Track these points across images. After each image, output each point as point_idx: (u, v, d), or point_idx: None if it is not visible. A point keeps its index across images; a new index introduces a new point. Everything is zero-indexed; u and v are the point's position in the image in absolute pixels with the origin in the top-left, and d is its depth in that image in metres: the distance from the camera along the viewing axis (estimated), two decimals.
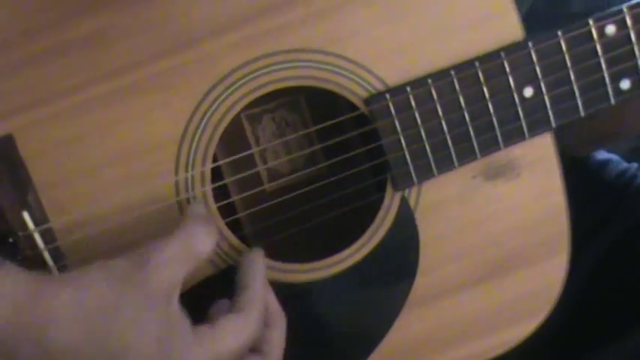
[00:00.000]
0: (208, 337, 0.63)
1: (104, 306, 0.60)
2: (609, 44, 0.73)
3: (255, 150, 0.82)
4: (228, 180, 0.78)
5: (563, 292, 0.80)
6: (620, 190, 0.95)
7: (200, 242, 0.64)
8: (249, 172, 0.79)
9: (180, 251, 0.63)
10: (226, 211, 0.78)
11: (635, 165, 0.98)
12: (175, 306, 0.62)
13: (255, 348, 0.67)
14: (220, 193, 0.78)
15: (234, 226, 0.80)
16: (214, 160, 0.75)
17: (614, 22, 0.73)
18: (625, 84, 0.74)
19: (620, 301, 0.89)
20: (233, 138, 0.82)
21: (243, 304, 0.66)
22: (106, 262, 0.62)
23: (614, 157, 1.00)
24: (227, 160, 0.78)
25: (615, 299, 0.90)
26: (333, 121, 0.76)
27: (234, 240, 0.74)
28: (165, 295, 0.61)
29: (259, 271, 0.69)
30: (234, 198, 0.80)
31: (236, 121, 0.82)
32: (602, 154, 1.02)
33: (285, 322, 0.70)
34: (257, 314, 0.66)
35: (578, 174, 0.99)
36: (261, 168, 0.82)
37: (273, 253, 0.76)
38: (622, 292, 0.89)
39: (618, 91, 0.75)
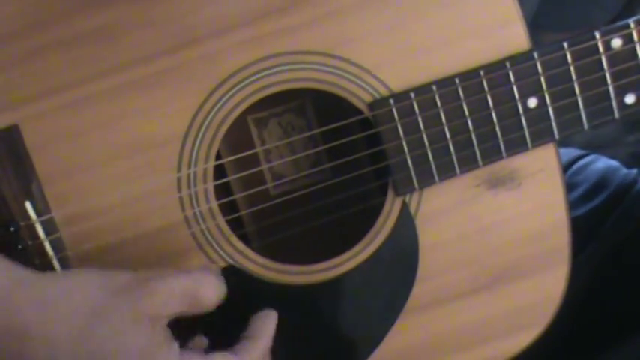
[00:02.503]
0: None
1: (93, 309, 0.60)
2: (615, 58, 0.73)
3: (259, 150, 0.83)
4: (230, 178, 0.78)
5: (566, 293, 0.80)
6: (619, 196, 0.95)
7: (207, 292, 0.64)
8: (253, 171, 0.80)
9: (184, 290, 0.63)
10: (228, 209, 0.78)
11: (634, 171, 0.98)
12: (163, 328, 0.63)
13: None
14: (223, 192, 0.79)
15: (236, 225, 0.80)
16: (218, 159, 0.76)
17: (621, 36, 0.73)
18: (630, 98, 0.74)
19: (620, 306, 0.89)
20: (239, 140, 0.82)
21: (241, 349, 0.66)
22: (109, 271, 0.63)
23: (614, 163, 1.00)
24: (231, 158, 0.79)
25: (615, 305, 0.89)
26: (337, 125, 0.76)
27: (234, 239, 0.74)
28: (155, 318, 0.62)
29: (270, 327, 0.69)
30: (237, 196, 0.80)
31: (242, 124, 0.83)
32: (602, 161, 1.02)
33: None
34: None
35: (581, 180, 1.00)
36: (264, 167, 0.83)
37: (273, 254, 0.77)
38: (622, 298, 0.89)
39: (623, 106, 0.74)
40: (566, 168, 1.02)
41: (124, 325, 0.61)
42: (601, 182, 0.97)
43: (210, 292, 0.65)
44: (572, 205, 0.94)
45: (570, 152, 1.04)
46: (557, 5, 0.93)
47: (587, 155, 1.04)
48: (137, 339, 0.61)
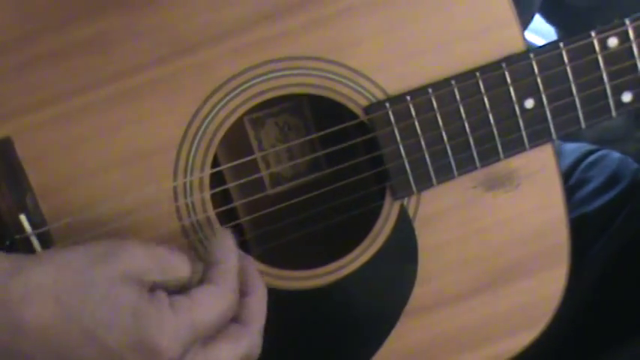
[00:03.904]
0: (184, 308, 0.62)
1: (78, 284, 0.60)
2: (611, 57, 0.73)
3: (257, 155, 0.82)
4: (226, 186, 0.78)
5: (569, 295, 0.80)
6: (631, 192, 0.95)
7: (176, 261, 0.64)
8: (252, 178, 0.79)
9: (157, 255, 0.63)
10: (228, 216, 0.78)
11: None
12: (147, 290, 0.62)
13: (234, 317, 0.66)
14: (222, 197, 0.78)
15: (236, 232, 0.80)
16: (217, 164, 0.75)
17: (616, 35, 0.72)
18: (627, 97, 0.74)
19: (631, 302, 0.88)
20: (236, 142, 0.81)
21: (215, 277, 0.65)
22: (85, 244, 0.62)
23: (625, 158, 1.00)
24: (227, 165, 0.78)
25: (625, 301, 0.89)
26: (335, 128, 0.75)
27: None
28: (138, 278, 0.61)
29: (230, 244, 0.68)
30: (236, 203, 0.80)
31: (239, 125, 0.82)
32: (614, 156, 1.02)
33: (265, 287, 0.69)
34: (231, 286, 0.65)
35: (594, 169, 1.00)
36: (264, 174, 0.82)
37: (274, 259, 0.76)
38: (632, 295, 0.89)
39: (620, 104, 0.74)
40: (577, 163, 1.02)
41: (111, 289, 0.60)
42: (612, 178, 0.97)
43: (179, 262, 0.64)
44: (583, 201, 0.95)
45: (581, 147, 1.04)
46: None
47: (598, 150, 1.03)
48: (127, 297, 0.60)
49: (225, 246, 0.68)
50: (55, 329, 0.59)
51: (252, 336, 0.66)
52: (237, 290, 0.66)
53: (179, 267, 0.64)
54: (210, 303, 0.63)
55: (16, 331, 0.59)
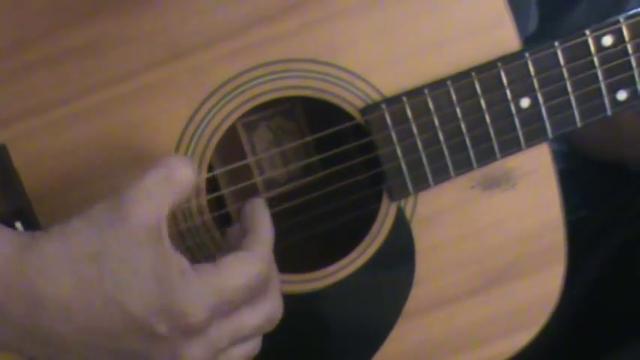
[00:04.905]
0: (211, 274, 0.60)
1: (90, 252, 0.58)
2: (606, 55, 0.73)
3: (251, 160, 0.82)
4: (223, 192, 0.77)
5: (566, 298, 0.80)
6: (630, 197, 0.95)
7: (178, 169, 0.61)
8: (246, 184, 0.79)
9: (156, 182, 0.60)
10: (223, 220, 0.78)
11: None
12: (167, 242, 0.59)
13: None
14: (216, 201, 0.78)
15: None
16: (210, 169, 0.75)
17: (611, 33, 0.72)
18: (622, 95, 0.74)
19: (628, 307, 0.89)
20: (229, 146, 0.81)
21: (248, 244, 0.64)
22: (85, 211, 0.60)
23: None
24: (222, 169, 0.78)
25: (621, 306, 0.89)
26: (331, 130, 0.75)
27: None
28: (152, 230, 0.59)
29: (262, 214, 0.67)
30: (229, 208, 0.79)
31: (232, 129, 0.82)
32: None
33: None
34: (264, 252, 0.64)
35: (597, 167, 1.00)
36: (258, 179, 0.82)
37: None
38: (630, 299, 0.89)
39: (615, 103, 0.74)
40: (575, 170, 1.02)
41: (128, 251, 0.58)
42: (611, 184, 0.97)
43: (184, 167, 0.61)
44: (580, 206, 0.95)
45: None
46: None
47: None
48: (145, 259, 0.58)
49: (257, 216, 0.67)
50: (75, 301, 0.58)
51: (272, 297, 0.65)
52: (269, 259, 0.65)
53: (185, 178, 0.61)
54: (237, 268, 0.61)
55: (35, 304, 0.58)
